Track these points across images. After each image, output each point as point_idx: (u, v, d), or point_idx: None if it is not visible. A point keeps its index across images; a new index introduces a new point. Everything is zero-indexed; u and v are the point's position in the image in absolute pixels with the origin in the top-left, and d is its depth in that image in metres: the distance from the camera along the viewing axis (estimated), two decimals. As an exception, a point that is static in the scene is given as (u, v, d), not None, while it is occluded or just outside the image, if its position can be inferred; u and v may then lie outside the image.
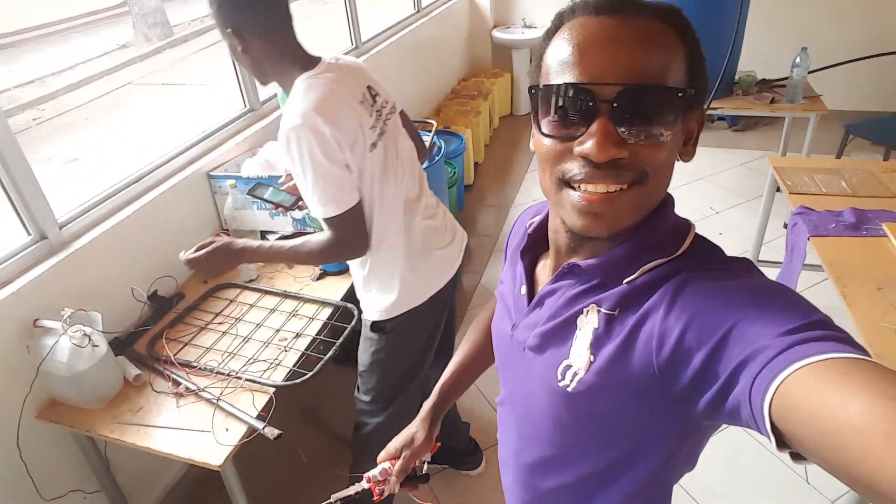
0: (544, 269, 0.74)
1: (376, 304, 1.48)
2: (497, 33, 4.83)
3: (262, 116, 2.30)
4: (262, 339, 1.60)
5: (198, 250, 1.36)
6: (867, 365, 0.40)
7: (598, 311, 0.61)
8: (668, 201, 0.63)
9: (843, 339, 0.44)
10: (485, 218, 3.62)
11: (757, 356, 0.45)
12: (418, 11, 4.04)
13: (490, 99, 4.47)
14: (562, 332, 0.65)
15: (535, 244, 0.76)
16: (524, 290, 0.74)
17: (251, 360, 1.52)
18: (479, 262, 3.15)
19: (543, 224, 0.75)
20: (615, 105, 0.52)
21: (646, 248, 0.61)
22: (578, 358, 0.62)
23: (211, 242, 1.38)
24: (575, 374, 0.62)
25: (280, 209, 1.62)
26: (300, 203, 1.57)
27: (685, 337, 0.51)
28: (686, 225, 0.63)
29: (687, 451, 0.64)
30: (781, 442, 0.43)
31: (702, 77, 0.58)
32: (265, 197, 1.63)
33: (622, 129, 0.53)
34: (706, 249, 0.61)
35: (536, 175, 3.94)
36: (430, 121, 2.64)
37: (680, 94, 0.54)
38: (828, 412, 0.38)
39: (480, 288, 2.95)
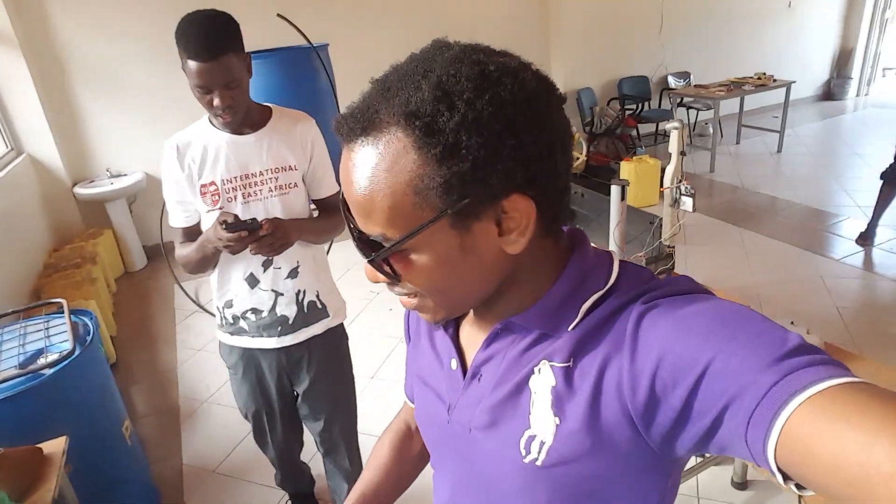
0: (469, 336, 0.66)
1: (339, 302, 1.71)
2: (81, 190, 4.21)
3: None
4: None
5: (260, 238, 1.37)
6: (865, 390, 0.39)
7: (552, 365, 0.56)
8: (580, 238, 0.61)
9: (827, 362, 0.43)
10: (152, 399, 2.99)
11: (745, 394, 0.42)
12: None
13: (100, 262, 3.82)
14: (514, 400, 0.58)
15: None
16: (455, 363, 0.65)
17: None
18: (168, 447, 2.57)
19: None
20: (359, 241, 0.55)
21: (577, 287, 0.57)
22: (542, 424, 0.56)
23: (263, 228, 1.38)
24: (542, 443, 0.56)
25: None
26: None
27: (659, 377, 0.48)
28: (606, 254, 0.61)
29: (672, 484, 0.61)
30: (788, 476, 0.41)
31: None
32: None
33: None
34: (636, 275, 0.58)
35: (189, 324, 3.62)
36: (57, 300, 2.05)
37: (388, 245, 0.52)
38: (851, 459, 0.36)
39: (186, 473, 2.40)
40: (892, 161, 3.59)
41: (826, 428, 0.38)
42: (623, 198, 1.75)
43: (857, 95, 7.81)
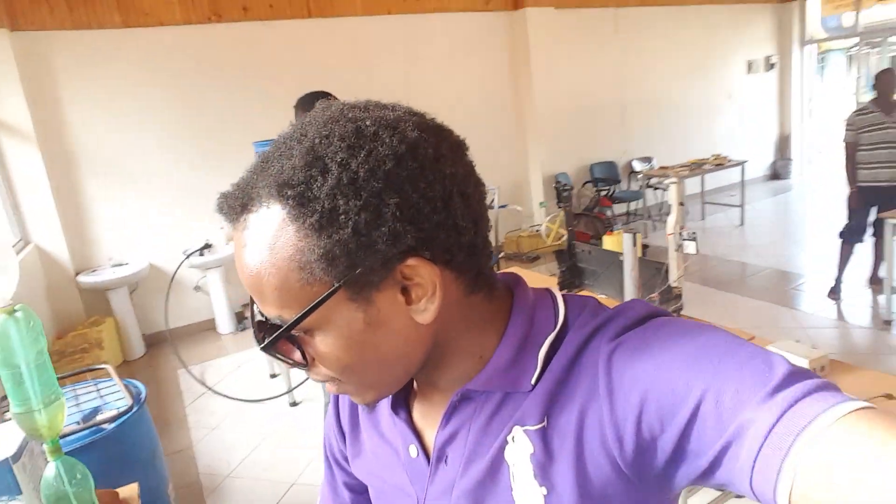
0: (425, 416, 0.59)
1: None
2: (84, 278, 4.28)
3: None
4: None
5: None
6: (872, 418, 0.36)
7: (526, 430, 0.50)
8: (515, 281, 0.57)
9: (821, 387, 0.40)
10: (172, 476, 2.95)
11: (743, 434, 0.39)
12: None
13: (105, 349, 3.85)
14: (492, 477, 0.52)
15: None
16: (415, 449, 0.58)
17: None
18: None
19: None
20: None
21: (527, 334, 0.53)
22: (528, 498, 0.50)
23: None
24: None
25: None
26: None
27: (644, 422, 0.44)
28: (545, 291, 0.57)
29: None
30: None
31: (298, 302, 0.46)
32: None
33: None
34: (582, 305, 0.54)
35: (199, 406, 3.60)
36: (103, 365, 2.13)
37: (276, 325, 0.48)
38: (878, 499, 0.33)
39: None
40: (846, 222, 4.01)
41: (844, 468, 0.35)
42: (635, 244, 2.00)
43: (801, 175, 8.59)
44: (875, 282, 4.11)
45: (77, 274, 4.35)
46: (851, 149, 3.87)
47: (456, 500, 0.54)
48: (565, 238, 5.73)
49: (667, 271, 2.12)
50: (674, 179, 1.99)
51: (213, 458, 3.02)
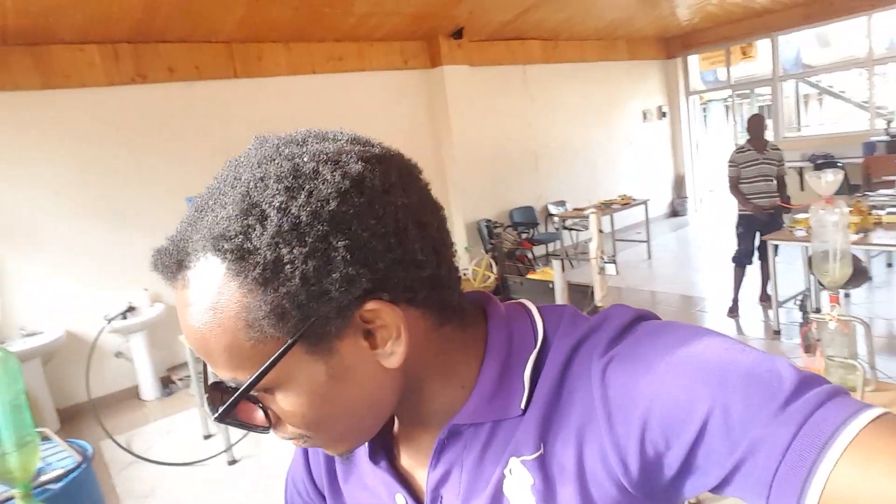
0: (412, 459, 0.56)
1: None
2: (-7, 351, 3.98)
3: None
4: None
5: None
6: (892, 425, 0.35)
7: (523, 461, 0.47)
8: (486, 300, 0.54)
9: (832, 394, 0.38)
10: None
11: (758, 451, 0.37)
12: None
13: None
14: None
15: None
16: (402, 497, 0.54)
17: None
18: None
19: None
20: None
21: (508, 356, 0.50)
22: None
23: None
24: None
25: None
26: None
27: (648, 440, 0.42)
28: (518, 305, 0.54)
29: None
30: None
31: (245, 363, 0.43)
32: None
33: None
34: (559, 315, 0.51)
35: (129, 475, 3.41)
36: (41, 429, 2.04)
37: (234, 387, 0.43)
38: None
39: None
40: (736, 247, 4.52)
41: (874, 490, 0.34)
42: (563, 270, 2.23)
43: (696, 211, 9.47)
44: (764, 298, 4.63)
45: (-16, 346, 4.05)
46: (734, 181, 4.42)
47: None
48: (491, 280, 6.00)
49: (592, 293, 2.36)
50: (593, 210, 2.25)
51: (151, 526, 2.88)
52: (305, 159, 0.42)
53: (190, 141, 4.82)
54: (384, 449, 0.56)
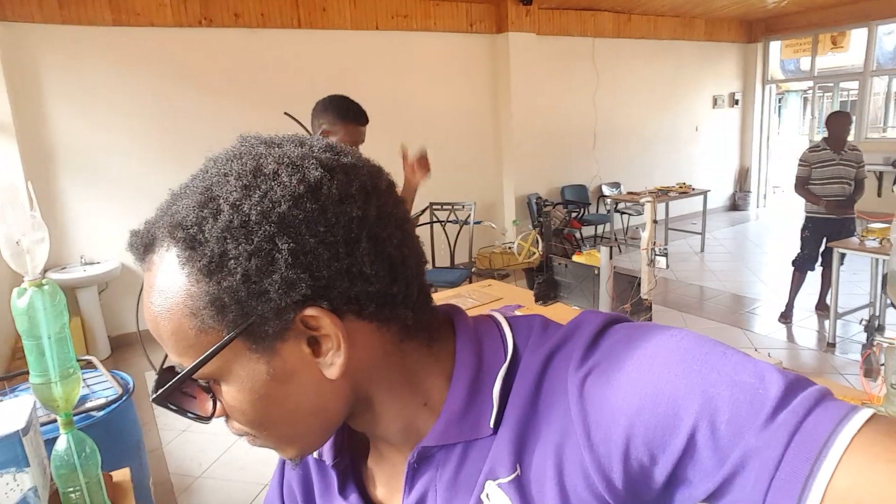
0: (386, 486, 0.55)
1: None
2: (53, 275, 4.20)
3: None
4: None
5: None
6: (889, 433, 0.35)
7: (500, 484, 0.45)
8: (454, 312, 0.53)
9: (819, 399, 0.38)
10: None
11: (749, 463, 0.36)
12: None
13: (73, 345, 3.78)
14: None
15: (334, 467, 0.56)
16: None
17: None
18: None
19: (341, 434, 0.57)
20: None
21: (477, 373, 0.48)
22: None
23: None
24: None
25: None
26: None
27: (632, 457, 0.40)
28: (487, 318, 0.53)
29: None
30: None
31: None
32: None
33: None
34: (528, 327, 0.50)
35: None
36: (88, 357, 2.14)
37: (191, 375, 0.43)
38: None
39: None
40: (799, 251, 4.28)
41: (876, 494, 0.33)
42: (611, 257, 2.15)
43: (758, 207, 9.03)
44: (821, 307, 4.39)
45: (46, 271, 4.28)
46: (802, 181, 4.16)
47: None
48: (536, 256, 5.92)
49: (639, 284, 2.27)
50: (649, 198, 2.15)
51: (185, 459, 3.02)
52: (269, 160, 0.42)
53: (250, 88, 4.86)
54: (355, 481, 0.55)
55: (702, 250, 6.72)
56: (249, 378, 0.43)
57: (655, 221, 2.15)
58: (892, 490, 0.33)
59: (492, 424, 0.46)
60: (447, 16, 5.88)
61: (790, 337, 4.20)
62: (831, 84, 8.52)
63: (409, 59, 5.76)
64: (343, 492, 0.55)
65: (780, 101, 10.08)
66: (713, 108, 8.51)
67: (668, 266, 2.09)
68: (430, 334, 0.49)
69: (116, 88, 4.41)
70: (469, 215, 4.80)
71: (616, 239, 6.92)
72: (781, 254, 5.62)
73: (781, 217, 8.17)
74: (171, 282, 0.42)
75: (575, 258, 5.77)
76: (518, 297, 2.91)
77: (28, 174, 4.12)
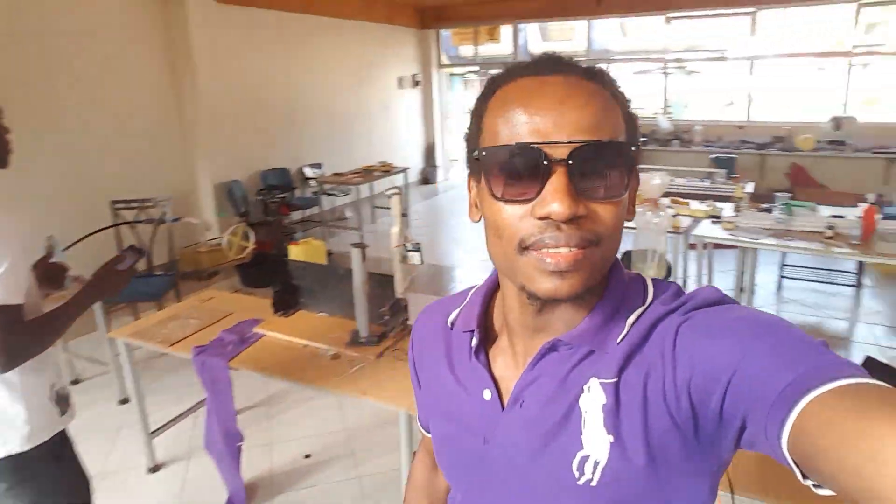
0: (506, 364, 0.65)
1: None
2: None
3: None
4: None
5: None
6: (879, 389, 0.40)
7: (602, 382, 0.56)
8: (614, 264, 0.61)
9: (845, 364, 0.44)
10: None
11: (765, 394, 0.44)
12: None
13: None
14: (565, 421, 0.57)
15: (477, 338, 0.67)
16: (489, 393, 0.63)
17: None
18: None
19: (483, 314, 0.68)
20: (570, 163, 0.50)
21: (622, 304, 0.59)
22: (596, 444, 0.55)
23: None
24: (596, 463, 0.55)
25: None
26: None
27: (694, 384, 0.51)
28: (637, 275, 0.63)
29: (712, 488, 0.59)
30: (804, 474, 0.43)
31: (637, 136, 0.57)
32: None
33: (580, 188, 0.51)
34: (666, 288, 0.61)
35: None
36: None
37: (633, 149, 0.53)
38: (859, 447, 0.36)
39: None
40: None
41: (836, 419, 0.39)
42: (364, 259, 1.99)
43: (445, 180, 10.03)
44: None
45: None
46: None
47: (526, 440, 0.59)
48: (248, 251, 5.40)
49: (392, 282, 2.16)
50: (395, 191, 2.04)
51: None
52: None
53: None
54: (486, 353, 0.67)
55: (408, 227, 7.12)
56: (627, 198, 0.56)
57: (405, 215, 2.06)
58: (843, 418, 0.39)
59: (618, 341, 0.57)
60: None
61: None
62: (491, 69, 9.87)
63: (40, 24, 4.46)
64: (477, 353, 0.66)
65: (463, 83, 11.27)
66: (399, 88, 9.01)
67: (422, 261, 2.03)
68: None
69: None
70: (164, 212, 4.05)
71: (326, 222, 6.81)
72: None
73: (463, 186, 9.24)
74: (609, 103, 0.55)
75: (291, 249, 5.46)
76: (252, 309, 2.52)
77: None
